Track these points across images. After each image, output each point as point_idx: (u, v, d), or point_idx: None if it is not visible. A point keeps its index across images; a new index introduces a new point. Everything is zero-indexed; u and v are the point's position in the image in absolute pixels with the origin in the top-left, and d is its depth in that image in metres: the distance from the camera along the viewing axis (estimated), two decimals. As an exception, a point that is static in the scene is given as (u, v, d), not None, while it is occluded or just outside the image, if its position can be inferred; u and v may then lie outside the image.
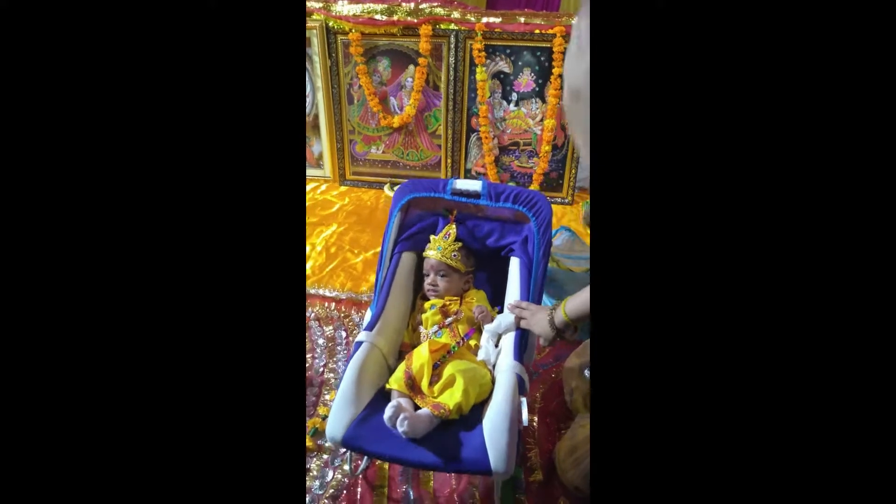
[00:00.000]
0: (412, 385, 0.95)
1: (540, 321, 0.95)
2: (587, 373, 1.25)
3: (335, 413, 0.89)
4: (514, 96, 2.18)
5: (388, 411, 0.85)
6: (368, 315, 1.09)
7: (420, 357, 0.97)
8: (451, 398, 0.90)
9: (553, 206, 2.25)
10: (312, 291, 1.74)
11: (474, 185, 1.17)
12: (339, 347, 1.51)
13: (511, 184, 2.30)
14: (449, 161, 2.34)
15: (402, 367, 0.98)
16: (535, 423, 1.27)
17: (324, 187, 2.42)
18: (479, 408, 0.94)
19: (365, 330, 1.03)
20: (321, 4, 2.13)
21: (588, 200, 2.30)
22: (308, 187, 2.41)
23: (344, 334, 1.56)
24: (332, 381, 1.39)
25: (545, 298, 1.55)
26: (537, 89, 2.15)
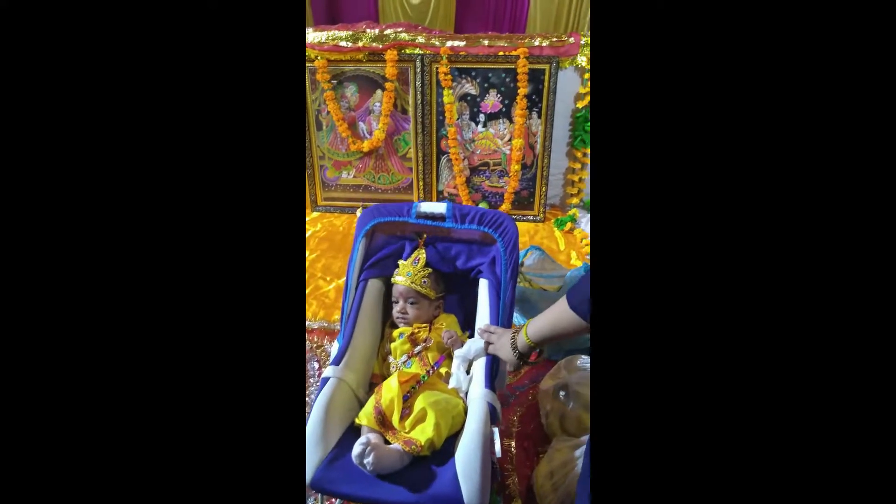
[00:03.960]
0: (382, 420, 0.92)
1: (504, 345, 0.92)
2: (562, 394, 1.23)
3: None
4: (482, 117, 2.20)
5: (357, 448, 0.82)
6: (336, 347, 1.06)
7: (389, 390, 0.94)
8: (423, 433, 0.87)
9: (525, 223, 2.29)
10: (284, 322, 1.70)
11: (439, 208, 1.16)
12: (311, 379, 1.47)
13: (483, 204, 2.31)
14: (420, 183, 2.34)
15: (371, 402, 0.95)
16: (512, 449, 1.25)
17: (295, 214, 2.40)
18: (452, 440, 0.91)
19: (332, 364, 1.00)
20: (285, 33, 2.14)
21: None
22: (279, 215, 2.39)
23: (317, 366, 1.52)
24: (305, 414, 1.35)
25: (520, 319, 1.53)
26: (504, 110, 2.17)
